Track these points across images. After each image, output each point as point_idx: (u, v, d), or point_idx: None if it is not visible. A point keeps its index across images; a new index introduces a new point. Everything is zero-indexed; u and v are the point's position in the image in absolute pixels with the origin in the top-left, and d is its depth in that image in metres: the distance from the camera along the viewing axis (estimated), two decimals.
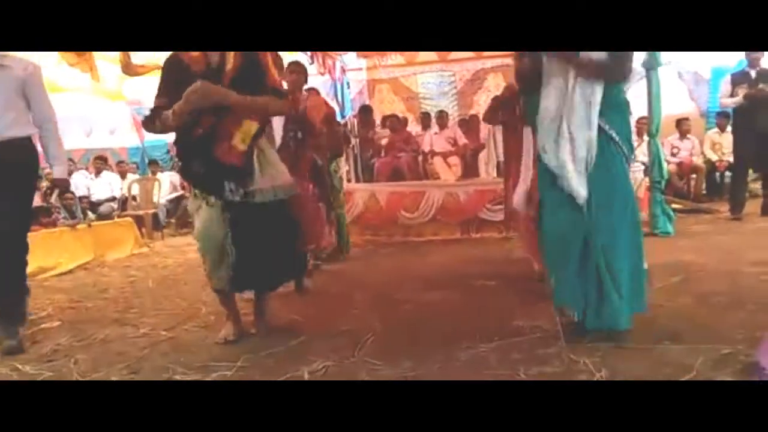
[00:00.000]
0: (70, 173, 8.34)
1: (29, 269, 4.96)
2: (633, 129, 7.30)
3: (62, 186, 3.26)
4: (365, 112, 7.94)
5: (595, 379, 1.97)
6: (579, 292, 2.35)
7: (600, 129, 2.33)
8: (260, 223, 2.65)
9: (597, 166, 2.33)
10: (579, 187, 2.32)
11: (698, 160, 7.27)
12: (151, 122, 2.65)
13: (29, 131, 3.02)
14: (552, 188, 2.42)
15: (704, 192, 7.18)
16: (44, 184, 8.29)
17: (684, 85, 8.01)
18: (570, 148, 2.34)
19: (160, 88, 2.67)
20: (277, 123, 3.83)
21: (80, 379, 2.42)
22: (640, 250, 2.40)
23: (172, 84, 2.59)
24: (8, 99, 2.90)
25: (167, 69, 2.66)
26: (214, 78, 2.56)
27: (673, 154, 7.32)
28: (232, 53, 2.60)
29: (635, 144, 7.32)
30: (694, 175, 7.22)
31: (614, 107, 2.38)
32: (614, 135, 2.35)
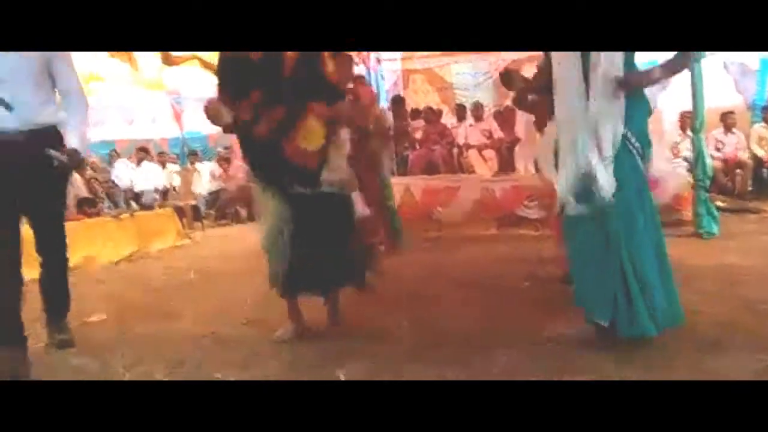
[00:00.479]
0: (112, 161, 8.60)
1: (75, 259, 5.20)
2: (677, 123, 7.13)
3: (73, 158, 2.70)
4: (397, 102, 7.90)
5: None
6: (604, 298, 2.30)
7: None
8: (323, 220, 2.65)
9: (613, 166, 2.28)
10: (605, 183, 2.26)
11: (744, 156, 7.04)
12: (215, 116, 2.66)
13: (62, 118, 2.79)
14: (573, 188, 2.36)
15: (750, 189, 6.95)
16: (88, 172, 8.56)
17: (730, 77, 7.74)
18: (595, 142, 2.28)
19: (220, 79, 2.71)
20: None
21: (125, 372, 2.52)
22: (664, 252, 2.35)
23: (231, 74, 2.63)
24: (36, 78, 2.66)
25: (225, 58, 2.69)
26: (274, 68, 2.58)
27: (717, 149, 7.10)
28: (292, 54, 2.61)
29: (679, 139, 7.17)
30: (739, 171, 6.99)
31: (633, 104, 2.31)
32: (629, 134, 2.29)
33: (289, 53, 2.59)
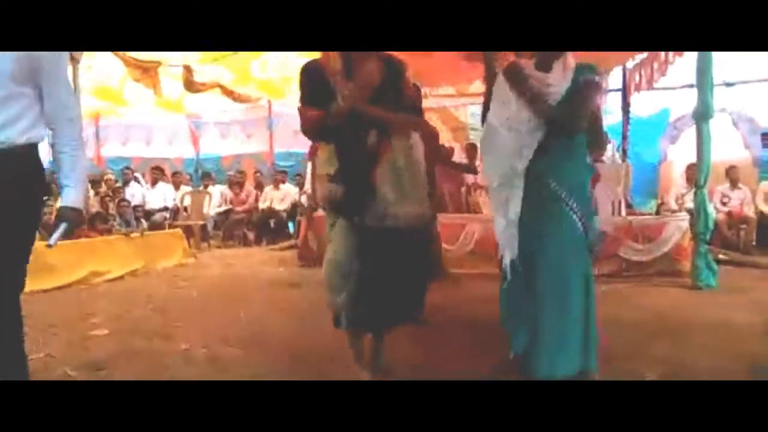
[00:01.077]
0: (127, 181, 8.79)
1: (81, 274, 5.32)
2: (683, 176, 7.20)
3: (72, 220, 2.18)
4: None
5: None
6: (518, 329, 2.39)
7: (546, 184, 2.31)
8: (393, 254, 2.44)
9: (543, 221, 2.30)
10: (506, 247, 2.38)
11: (749, 211, 7.09)
12: (312, 130, 2.55)
13: (36, 135, 2.11)
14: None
15: (754, 244, 6.98)
16: (102, 189, 8.75)
17: (738, 133, 7.84)
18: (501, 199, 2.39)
19: (303, 97, 2.53)
20: None
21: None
22: (591, 311, 2.32)
23: (312, 90, 2.48)
24: (6, 88, 1.97)
25: (306, 76, 2.52)
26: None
27: (723, 203, 7.17)
28: (373, 59, 2.42)
29: (684, 191, 7.24)
30: (744, 226, 7.04)
31: (567, 161, 2.33)
32: (562, 193, 2.30)
33: (373, 65, 2.41)
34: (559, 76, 2.33)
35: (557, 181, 2.32)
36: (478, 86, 8.68)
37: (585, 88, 2.32)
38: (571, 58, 2.38)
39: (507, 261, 2.42)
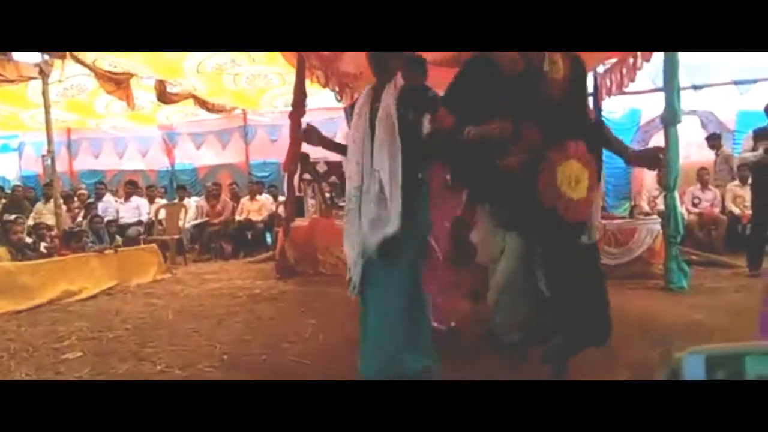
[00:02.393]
0: (100, 196, 8.67)
1: (54, 294, 5.23)
2: (654, 178, 7.33)
3: None
4: None
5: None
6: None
7: None
8: (573, 270, 2.26)
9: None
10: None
11: (720, 212, 7.24)
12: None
13: None
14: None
15: (724, 244, 7.12)
16: (75, 205, 8.62)
17: (707, 134, 8.00)
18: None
19: (452, 88, 2.37)
20: None
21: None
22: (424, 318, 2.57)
23: (471, 86, 2.31)
24: None
25: (470, 69, 2.35)
26: (533, 85, 2.20)
27: (694, 205, 7.31)
28: (559, 55, 2.22)
29: (656, 193, 7.36)
30: (714, 227, 7.18)
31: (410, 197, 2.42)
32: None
33: (559, 63, 2.22)
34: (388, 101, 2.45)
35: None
36: None
37: (431, 105, 2.44)
38: (401, 82, 2.52)
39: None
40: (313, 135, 2.74)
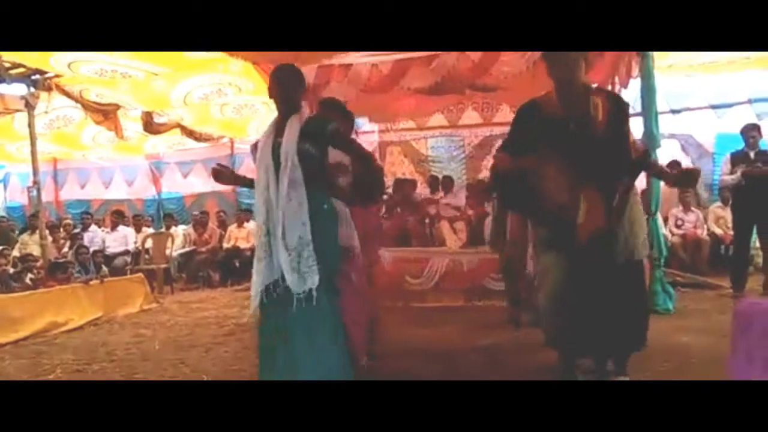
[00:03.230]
0: (86, 226, 8.63)
1: (40, 325, 5.18)
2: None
3: None
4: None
5: None
6: None
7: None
8: (612, 283, 2.61)
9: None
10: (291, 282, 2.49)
11: (702, 233, 7.34)
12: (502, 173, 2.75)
13: None
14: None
15: (708, 266, 7.21)
16: (61, 235, 8.55)
17: (687, 158, 8.15)
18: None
19: (510, 134, 2.78)
20: None
21: None
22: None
23: (523, 131, 2.67)
24: None
25: (521, 115, 2.75)
26: (580, 127, 2.56)
27: (677, 226, 7.40)
28: (599, 99, 2.59)
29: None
30: (698, 248, 7.27)
31: (314, 222, 2.52)
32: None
33: (599, 106, 2.57)
34: (289, 138, 2.54)
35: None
36: (437, 119, 8.91)
37: (336, 135, 2.61)
38: (305, 115, 2.64)
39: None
40: (222, 175, 2.87)
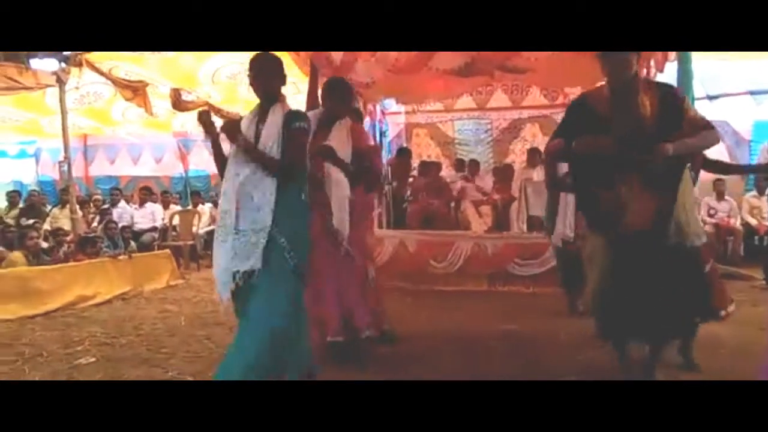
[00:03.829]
0: (115, 202, 8.76)
1: (69, 299, 5.28)
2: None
3: None
4: (403, 154, 8.01)
5: None
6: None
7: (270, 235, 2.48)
8: (663, 268, 2.65)
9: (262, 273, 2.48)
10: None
11: (736, 223, 7.15)
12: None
13: None
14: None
15: (742, 255, 7.03)
16: (91, 210, 8.70)
17: (723, 145, 7.91)
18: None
19: (560, 126, 2.91)
20: None
21: None
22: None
23: (573, 124, 2.79)
24: None
25: (571, 109, 2.90)
26: (627, 126, 2.62)
27: (710, 215, 7.22)
28: (647, 97, 2.64)
29: None
30: (730, 238, 7.10)
31: (288, 211, 2.52)
32: (283, 242, 2.49)
33: (647, 103, 2.63)
34: (271, 127, 2.55)
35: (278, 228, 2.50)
36: (465, 102, 8.79)
37: (297, 135, 2.58)
38: (288, 106, 2.65)
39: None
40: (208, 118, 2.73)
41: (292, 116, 2.59)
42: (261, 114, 2.62)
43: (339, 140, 3.38)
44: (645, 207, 2.59)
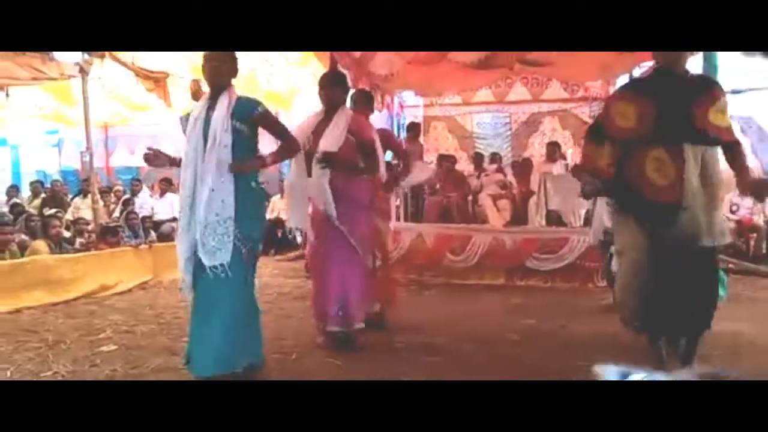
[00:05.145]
0: (135, 192, 8.86)
1: (90, 287, 5.36)
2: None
3: None
4: (413, 129, 8.03)
5: None
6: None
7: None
8: (687, 264, 2.67)
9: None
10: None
11: (758, 219, 7.04)
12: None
13: None
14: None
15: (764, 251, 6.93)
16: (112, 200, 8.81)
17: (747, 140, 7.79)
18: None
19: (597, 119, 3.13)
20: None
21: None
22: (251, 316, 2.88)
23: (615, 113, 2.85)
24: None
25: (614, 96, 3.14)
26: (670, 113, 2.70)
27: (732, 212, 7.12)
28: (694, 86, 2.79)
29: None
30: (753, 234, 6.99)
31: (242, 199, 2.68)
32: (237, 230, 2.66)
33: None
34: (221, 113, 2.68)
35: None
36: (484, 95, 8.73)
37: (261, 120, 2.77)
38: (234, 95, 2.75)
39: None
40: (156, 160, 2.91)
41: (247, 103, 2.78)
42: (211, 104, 2.76)
43: (336, 126, 3.43)
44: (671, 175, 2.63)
